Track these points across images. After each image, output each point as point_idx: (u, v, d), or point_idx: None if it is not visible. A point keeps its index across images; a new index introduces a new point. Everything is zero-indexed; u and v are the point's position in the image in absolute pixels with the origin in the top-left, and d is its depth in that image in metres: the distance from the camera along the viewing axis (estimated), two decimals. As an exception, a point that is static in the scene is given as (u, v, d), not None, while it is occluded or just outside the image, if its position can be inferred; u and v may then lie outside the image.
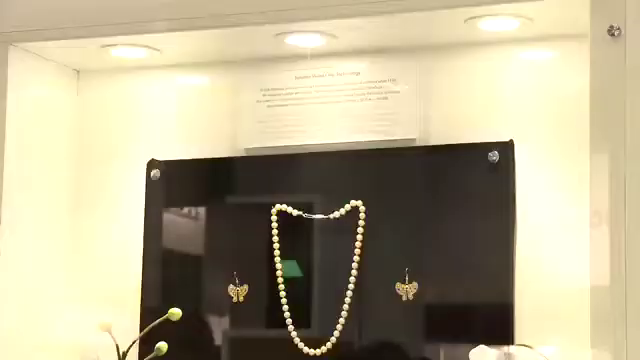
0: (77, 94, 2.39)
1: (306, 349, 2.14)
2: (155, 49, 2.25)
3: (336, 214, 2.17)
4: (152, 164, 2.32)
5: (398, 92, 2.18)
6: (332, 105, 2.22)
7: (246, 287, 2.20)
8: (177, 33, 2.13)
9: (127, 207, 2.33)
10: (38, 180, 2.27)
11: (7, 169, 2.15)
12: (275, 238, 2.20)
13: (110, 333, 1.99)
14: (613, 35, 1.81)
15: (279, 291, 2.17)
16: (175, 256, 2.30)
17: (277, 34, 2.14)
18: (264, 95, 2.27)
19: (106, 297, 2.25)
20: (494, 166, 2.11)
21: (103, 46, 2.24)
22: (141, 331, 2.09)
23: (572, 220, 2.02)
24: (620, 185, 1.77)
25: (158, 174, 2.31)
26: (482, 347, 1.89)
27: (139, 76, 2.37)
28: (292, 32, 2.14)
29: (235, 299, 2.20)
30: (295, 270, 2.20)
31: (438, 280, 2.12)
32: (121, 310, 2.20)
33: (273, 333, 2.21)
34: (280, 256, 2.19)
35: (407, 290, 2.11)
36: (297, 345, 2.15)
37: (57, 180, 2.32)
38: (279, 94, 2.26)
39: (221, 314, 2.25)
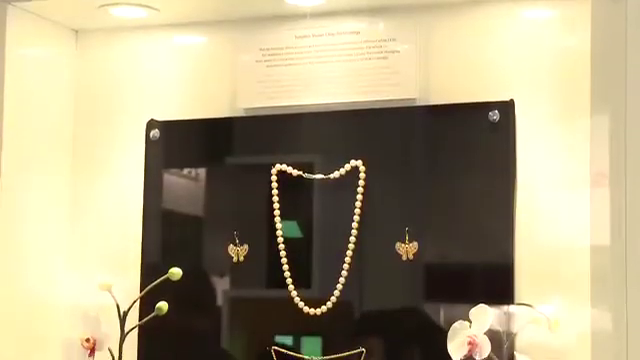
0: (76, 54, 2.38)
1: (306, 309, 2.15)
2: (154, 8, 2.24)
3: (336, 174, 2.17)
4: (151, 124, 2.31)
5: (398, 52, 2.17)
6: (332, 65, 2.21)
7: (246, 247, 2.20)
8: (176, -8, 2.13)
9: (127, 168, 2.32)
10: (37, 141, 2.26)
11: (6, 129, 2.15)
12: (275, 198, 2.20)
13: (110, 293, 2.00)
14: (614, -6, 1.80)
15: (279, 251, 2.18)
16: (175, 216, 2.30)
17: (276, -7, 2.14)
18: (263, 55, 2.26)
19: (106, 258, 2.25)
20: (494, 126, 2.10)
21: (102, 5, 2.22)
22: (141, 291, 2.09)
23: (573, 180, 2.02)
24: (621, 145, 1.76)
25: (157, 134, 2.30)
26: (482, 306, 1.89)
27: (138, 36, 2.35)
28: (292, -9, 2.14)
29: (235, 259, 2.20)
30: (295, 231, 2.20)
31: (438, 240, 2.12)
32: (122, 271, 2.20)
33: (273, 293, 2.22)
34: (280, 216, 2.19)
35: (407, 250, 2.11)
36: (297, 305, 2.15)
37: (56, 140, 2.32)
38: (278, 54, 2.25)
39: (221, 274, 2.26)
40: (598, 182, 1.81)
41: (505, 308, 2.04)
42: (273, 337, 2.17)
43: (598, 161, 1.81)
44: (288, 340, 2.19)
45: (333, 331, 2.16)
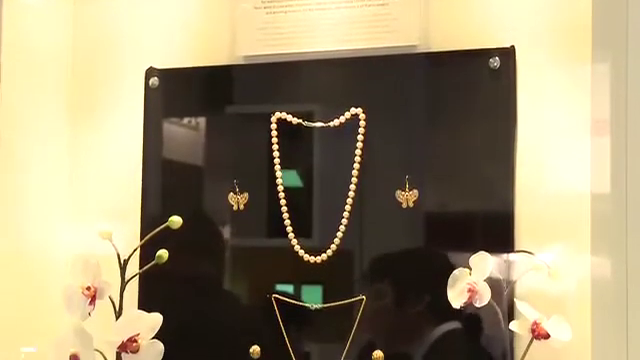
0: (74, 0, 2.36)
1: (307, 256, 2.15)
2: (152, -45, 2.22)
3: (336, 122, 2.16)
4: (150, 72, 2.30)
5: (398, -2, 2.16)
6: (331, 12, 2.19)
7: (246, 195, 2.20)
8: None
9: (126, 116, 2.31)
10: (35, 91, 2.25)
11: (3, 79, 2.14)
12: (275, 147, 2.19)
13: (111, 241, 1.99)
14: (617, -63, 1.78)
15: (279, 199, 2.17)
16: (174, 165, 2.30)
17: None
18: (263, 2, 2.24)
19: (106, 207, 2.25)
20: (495, 72, 2.09)
21: (100, -48, 2.21)
22: (141, 240, 2.09)
23: (573, 127, 2.01)
24: (621, 93, 1.75)
25: (157, 82, 2.29)
26: (482, 253, 1.89)
27: (137, -17, 2.34)
28: None
29: (235, 207, 2.20)
30: (295, 179, 2.20)
31: (438, 188, 2.12)
32: (122, 220, 2.20)
33: (274, 242, 2.22)
34: (280, 165, 2.19)
35: (407, 198, 2.11)
36: (298, 253, 2.15)
37: (55, 89, 2.31)
38: (278, 0, 2.23)
39: (222, 223, 2.25)
40: (599, 129, 1.80)
41: (505, 256, 2.04)
42: (273, 286, 2.18)
43: (599, 108, 1.80)
44: (289, 289, 2.19)
45: (333, 279, 2.17)
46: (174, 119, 2.31)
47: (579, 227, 1.89)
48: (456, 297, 1.87)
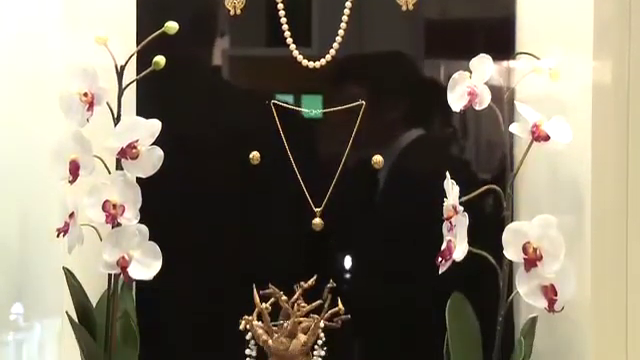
0: None
1: (305, 62, 2.13)
2: None
3: None
4: None
5: None
6: None
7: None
8: None
9: None
10: None
11: None
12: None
13: (107, 47, 1.97)
14: None
15: (277, 3, 2.14)
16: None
17: None
18: None
19: (102, 14, 2.21)
20: None
21: None
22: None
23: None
24: None
25: None
26: (483, 55, 1.86)
27: None
28: None
29: (232, 12, 2.17)
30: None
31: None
32: (117, 28, 2.16)
33: (272, 51, 2.19)
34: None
35: (407, 0, 2.08)
36: (296, 58, 2.13)
37: None
38: None
39: (220, 31, 2.23)
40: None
41: (506, 63, 2.03)
42: (273, 95, 2.16)
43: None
44: (289, 98, 2.18)
45: (333, 87, 2.15)
46: None
47: (582, 31, 1.87)
48: (456, 100, 1.86)
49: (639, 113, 1.80)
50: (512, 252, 1.80)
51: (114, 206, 1.92)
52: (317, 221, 2.12)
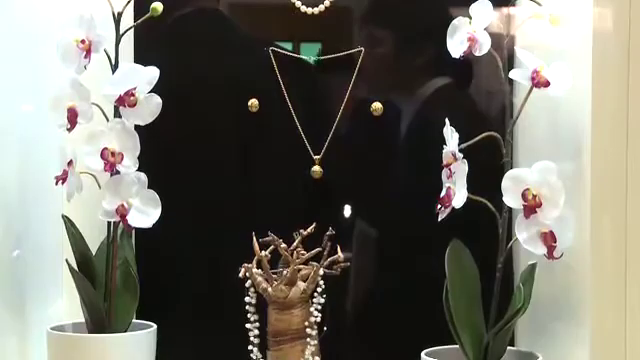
0: None
1: (304, 8, 2.12)
2: None
3: None
4: None
5: None
6: None
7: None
8: None
9: None
10: None
11: None
12: None
13: (105, -7, 1.96)
14: None
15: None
16: None
17: None
18: None
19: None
20: None
21: None
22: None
23: None
24: None
25: None
26: (484, 1, 1.84)
27: None
28: None
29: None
30: None
31: None
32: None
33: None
34: None
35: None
36: (295, 4, 2.12)
37: None
38: None
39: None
40: None
41: (506, 9, 2.01)
42: (272, 43, 2.15)
43: None
44: (288, 46, 2.16)
45: (331, 34, 2.15)
46: None
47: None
48: (456, 46, 1.84)
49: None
50: (511, 199, 1.79)
51: (112, 154, 1.91)
52: (316, 168, 2.12)
